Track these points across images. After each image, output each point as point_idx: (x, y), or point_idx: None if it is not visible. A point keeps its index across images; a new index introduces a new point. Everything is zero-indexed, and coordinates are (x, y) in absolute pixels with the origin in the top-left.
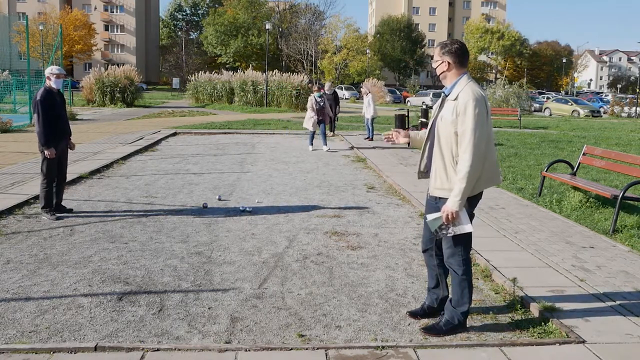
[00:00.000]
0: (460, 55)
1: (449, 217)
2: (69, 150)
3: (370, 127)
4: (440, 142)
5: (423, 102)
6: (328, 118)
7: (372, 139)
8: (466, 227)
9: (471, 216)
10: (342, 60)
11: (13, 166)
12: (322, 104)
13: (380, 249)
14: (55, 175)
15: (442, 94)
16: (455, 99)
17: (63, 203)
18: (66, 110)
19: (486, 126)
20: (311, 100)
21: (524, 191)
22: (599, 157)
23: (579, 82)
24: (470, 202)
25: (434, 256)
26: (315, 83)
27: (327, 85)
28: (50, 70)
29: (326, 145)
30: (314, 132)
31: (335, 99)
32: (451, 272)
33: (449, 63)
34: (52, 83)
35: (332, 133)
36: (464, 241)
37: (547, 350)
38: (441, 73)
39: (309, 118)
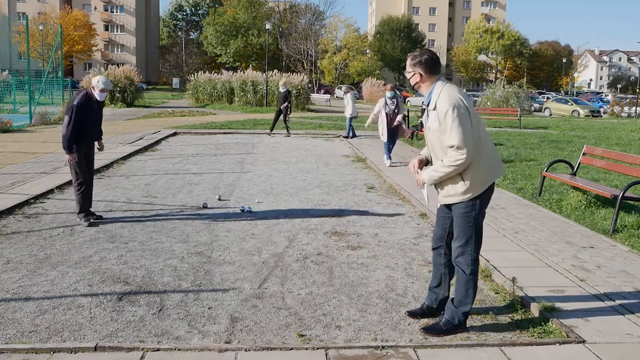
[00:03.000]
0: (430, 65)
1: (418, 183)
2: (97, 151)
3: (349, 126)
4: (436, 153)
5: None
6: (404, 127)
7: (351, 137)
8: (425, 197)
9: (482, 215)
10: (342, 60)
11: (13, 166)
12: (393, 106)
13: (380, 249)
14: (87, 176)
15: (422, 104)
16: (435, 108)
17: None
18: (101, 117)
19: (471, 126)
20: (380, 102)
21: (524, 191)
22: (599, 157)
23: (579, 82)
24: (482, 198)
25: (442, 255)
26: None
27: (280, 82)
28: (97, 82)
29: (390, 158)
30: (389, 143)
31: (286, 98)
32: (458, 271)
33: (421, 74)
34: (96, 94)
35: (274, 133)
36: (474, 241)
37: (547, 350)
38: (415, 84)
39: (380, 125)
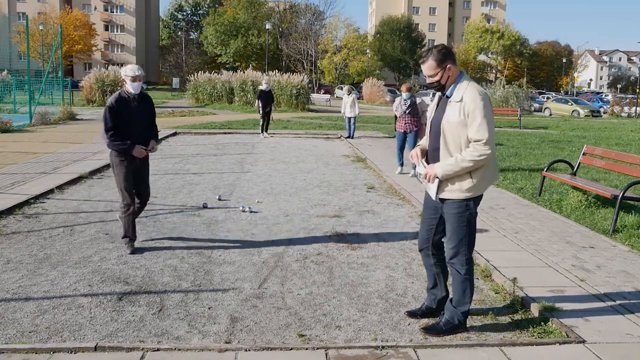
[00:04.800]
0: (454, 55)
1: (428, 177)
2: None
3: (353, 126)
4: (447, 145)
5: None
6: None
7: (352, 137)
8: (431, 193)
9: (474, 215)
10: (342, 60)
11: (13, 166)
12: (405, 107)
13: (380, 249)
14: (133, 193)
15: (442, 95)
16: (460, 100)
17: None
18: (152, 117)
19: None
20: (396, 102)
21: (524, 191)
22: (599, 157)
23: (579, 82)
24: (477, 199)
25: (430, 256)
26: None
27: (264, 81)
28: (124, 71)
29: (414, 169)
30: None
31: (270, 97)
32: (453, 271)
33: (451, 66)
34: (127, 86)
35: (265, 134)
36: (467, 241)
37: (547, 350)
38: (447, 80)
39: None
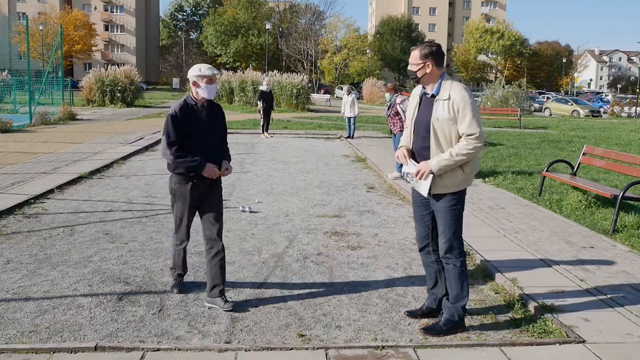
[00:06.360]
0: (440, 57)
1: (421, 174)
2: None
3: (353, 126)
4: (439, 141)
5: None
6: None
7: (352, 137)
8: (423, 190)
9: (464, 207)
10: (342, 60)
11: (13, 166)
12: (387, 110)
13: (380, 249)
14: (190, 228)
15: (424, 95)
16: (448, 98)
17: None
18: (224, 131)
19: None
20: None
21: (524, 191)
22: (599, 157)
23: (579, 82)
24: (465, 193)
25: (431, 253)
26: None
27: (264, 81)
28: (198, 71)
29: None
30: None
31: (270, 98)
32: (449, 267)
33: (431, 66)
34: (200, 91)
35: (266, 134)
36: (458, 234)
37: (547, 350)
38: (423, 75)
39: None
